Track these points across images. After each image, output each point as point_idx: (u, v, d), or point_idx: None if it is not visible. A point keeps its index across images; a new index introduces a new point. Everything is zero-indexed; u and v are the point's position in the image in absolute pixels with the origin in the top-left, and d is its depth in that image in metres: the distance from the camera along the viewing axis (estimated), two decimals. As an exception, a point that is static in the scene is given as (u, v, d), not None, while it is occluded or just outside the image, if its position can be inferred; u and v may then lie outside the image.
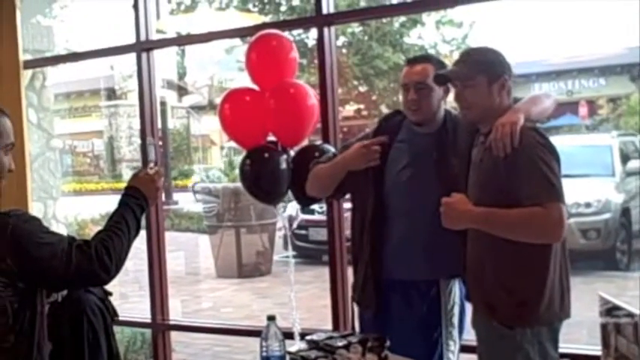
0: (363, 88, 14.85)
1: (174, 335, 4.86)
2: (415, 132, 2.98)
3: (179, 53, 16.35)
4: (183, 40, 6.90)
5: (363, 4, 12.57)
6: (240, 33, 5.39)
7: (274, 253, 10.28)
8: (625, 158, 9.54)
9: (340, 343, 2.72)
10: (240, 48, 13.89)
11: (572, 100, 15.27)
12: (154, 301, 4.64)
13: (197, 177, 17.09)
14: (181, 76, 18.97)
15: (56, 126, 6.92)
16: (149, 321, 4.72)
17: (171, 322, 4.76)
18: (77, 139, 20.93)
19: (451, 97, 2.92)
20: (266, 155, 3.66)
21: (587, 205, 8.45)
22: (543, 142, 2.49)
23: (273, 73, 3.67)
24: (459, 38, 14.10)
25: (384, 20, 13.12)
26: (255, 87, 3.73)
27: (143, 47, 4.59)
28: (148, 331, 5.51)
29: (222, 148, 21.40)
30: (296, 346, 2.89)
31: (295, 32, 11.15)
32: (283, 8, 13.99)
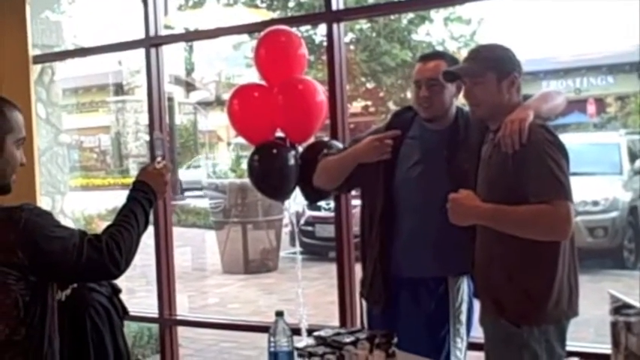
0: (370, 85, 14.83)
1: (180, 331, 4.87)
2: (426, 128, 2.98)
3: (187, 49, 16.38)
4: (191, 36, 6.91)
5: (371, 0, 12.54)
6: (249, 29, 5.40)
7: (281, 249, 10.30)
8: (633, 156, 9.51)
9: (348, 340, 2.72)
10: (247, 44, 13.90)
11: (581, 98, 15.22)
12: (162, 296, 4.65)
13: (203, 172, 17.14)
14: (189, 72, 18.99)
15: (64, 121, 6.95)
16: (156, 316, 4.72)
17: (179, 318, 4.77)
18: (84, 134, 20.97)
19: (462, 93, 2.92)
20: (274, 151, 3.67)
21: (595, 203, 8.44)
22: (552, 139, 2.48)
23: (281, 69, 3.67)
24: (467, 35, 14.06)
25: (392, 17, 13.10)
26: (264, 83, 3.73)
27: (152, 43, 4.59)
28: (154, 326, 5.52)
29: (229, 144, 21.43)
30: (303, 342, 2.89)
31: (303, 28, 11.13)
32: (291, 4, 13.98)
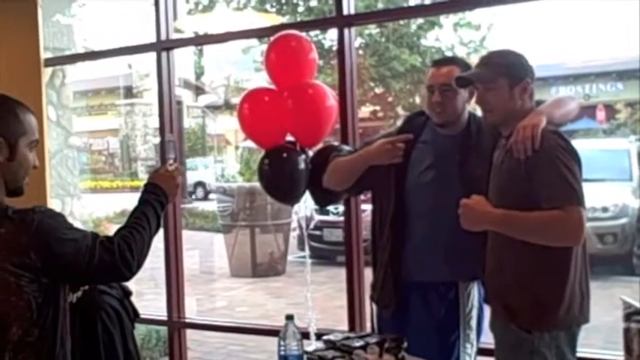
0: (379, 90, 14.84)
1: (188, 333, 4.88)
2: (438, 133, 2.98)
3: (196, 53, 16.41)
4: (202, 40, 6.93)
5: (380, 5, 12.55)
6: (259, 33, 5.41)
7: (288, 253, 10.31)
8: (643, 163, 9.50)
9: (357, 344, 2.73)
10: (256, 48, 13.93)
11: (590, 104, 15.20)
12: (170, 299, 4.66)
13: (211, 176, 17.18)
14: (198, 75, 19.03)
15: (74, 124, 6.97)
16: (165, 318, 4.74)
17: (187, 320, 4.78)
18: (93, 137, 21.05)
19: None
20: (284, 155, 3.67)
21: (604, 209, 8.42)
22: (564, 145, 2.48)
23: (292, 74, 3.67)
24: (476, 41, 14.07)
25: (402, 22, 13.11)
26: (274, 87, 3.74)
27: (163, 46, 4.61)
28: (162, 329, 5.53)
29: (237, 147, 21.46)
30: (313, 345, 2.89)
31: (312, 33, 11.16)
32: (301, 9, 14.00)
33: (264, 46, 3.92)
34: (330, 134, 3.89)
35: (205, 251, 11.48)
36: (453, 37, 14.22)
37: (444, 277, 2.93)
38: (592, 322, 2.61)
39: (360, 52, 13.61)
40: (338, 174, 3.16)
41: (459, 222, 2.59)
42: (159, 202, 2.27)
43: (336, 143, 3.99)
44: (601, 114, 15.64)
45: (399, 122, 3.31)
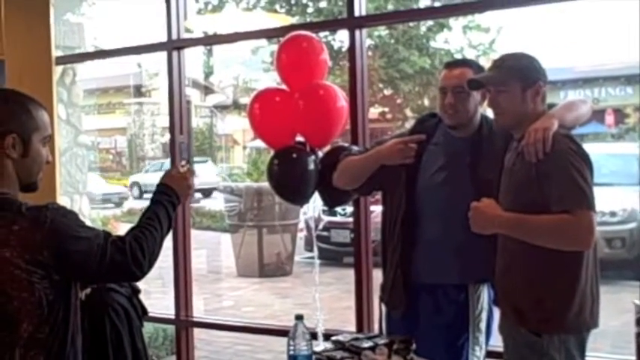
0: (387, 91, 14.84)
1: (195, 332, 4.89)
2: (450, 135, 2.98)
3: (205, 53, 16.45)
4: (213, 40, 6.91)
5: (390, 7, 12.55)
6: (270, 34, 5.41)
7: (295, 253, 10.31)
8: (652, 168, 9.45)
9: (366, 345, 2.73)
10: (265, 49, 13.95)
11: (599, 108, 15.16)
12: (179, 298, 4.67)
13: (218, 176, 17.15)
14: (207, 75, 19.06)
15: (83, 122, 7.00)
16: (173, 317, 4.74)
17: (195, 319, 4.79)
18: (100, 135, 21.12)
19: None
20: (294, 156, 3.68)
21: (612, 214, 8.40)
22: (576, 148, 2.47)
23: (303, 75, 3.68)
24: (485, 43, 14.06)
25: (411, 24, 13.11)
26: (285, 87, 3.74)
27: (174, 46, 4.62)
28: (169, 327, 5.54)
29: (244, 147, 21.49)
30: (321, 346, 2.90)
31: (321, 34, 11.17)
32: (310, 10, 14.01)
33: (273, 47, 3.93)
34: (340, 135, 3.89)
35: (212, 251, 11.49)
36: (463, 39, 14.22)
37: (454, 279, 2.92)
38: (599, 326, 2.60)
39: (369, 53, 13.62)
40: (349, 172, 3.17)
41: (469, 224, 2.59)
42: (170, 203, 2.28)
43: (345, 144, 4.00)
44: (610, 118, 15.60)
45: (409, 124, 3.31)
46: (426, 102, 14.42)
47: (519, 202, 2.51)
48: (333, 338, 2.87)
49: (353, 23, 4.02)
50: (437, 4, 12.69)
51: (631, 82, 15.67)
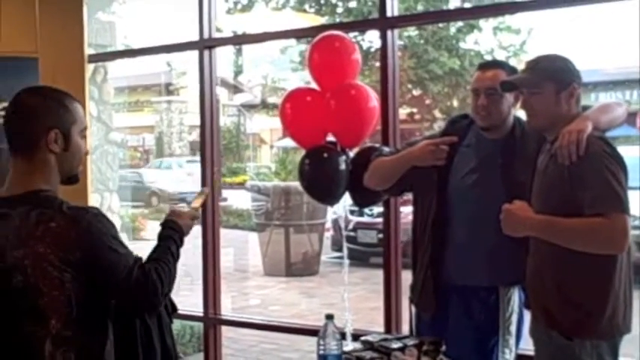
0: (416, 92, 14.79)
1: (222, 330, 4.91)
2: (482, 137, 2.97)
3: (234, 52, 16.51)
4: (243, 39, 6.97)
5: (420, 7, 12.51)
6: (300, 34, 5.42)
7: (322, 253, 10.32)
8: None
9: (396, 345, 2.73)
10: (294, 48, 13.97)
11: (630, 111, 14.96)
12: (207, 296, 4.69)
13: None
14: (236, 74, 19.13)
15: (113, 120, 7.08)
16: (201, 314, 4.77)
17: (223, 317, 4.80)
18: (129, 133, 21.30)
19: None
20: (325, 155, 3.67)
21: (645, 218, 8.30)
22: (610, 151, 2.45)
23: (335, 74, 3.67)
24: (516, 45, 13.96)
25: (441, 25, 13.06)
26: (317, 87, 3.75)
27: (206, 45, 4.64)
28: (197, 325, 5.57)
29: (271, 147, 21.55)
30: (350, 346, 2.90)
31: (350, 34, 11.16)
32: (340, 10, 14.00)
33: (302, 47, 3.94)
34: (371, 136, 3.89)
35: (239, 249, 11.54)
36: (493, 40, 14.14)
37: (484, 281, 2.91)
38: (632, 331, 2.58)
39: (399, 54, 13.59)
40: (380, 173, 3.17)
41: (500, 226, 2.57)
42: (180, 240, 2.32)
43: (376, 145, 3.99)
44: (641, 121, 15.39)
45: (437, 125, 3.31)
46: (455, 103, 14.35)
47: (551, 204, 2.50)
48: (362, 338, 2.87)
49: (385, 23, 4.01)
50: (467, 5, 12.61)
51: (663, 85, 15.48)
